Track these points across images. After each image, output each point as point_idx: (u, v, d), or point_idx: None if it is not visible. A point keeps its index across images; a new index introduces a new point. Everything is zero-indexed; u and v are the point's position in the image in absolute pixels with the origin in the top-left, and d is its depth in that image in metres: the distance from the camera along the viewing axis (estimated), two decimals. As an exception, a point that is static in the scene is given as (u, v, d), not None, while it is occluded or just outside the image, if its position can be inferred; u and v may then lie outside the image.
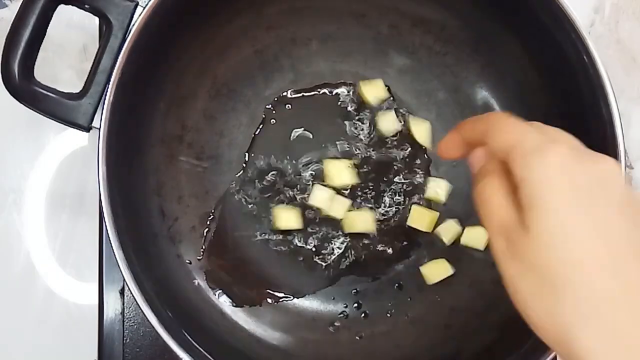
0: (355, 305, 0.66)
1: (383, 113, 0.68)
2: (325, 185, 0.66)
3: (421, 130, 0.67)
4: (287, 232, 0.66)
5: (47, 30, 0.53)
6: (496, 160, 0.41)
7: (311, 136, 0.67)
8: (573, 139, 0.40)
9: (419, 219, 0.67)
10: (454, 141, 0.44)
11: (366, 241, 0.67)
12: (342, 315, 0.66)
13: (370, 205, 0.67)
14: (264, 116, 0.67)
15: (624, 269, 0.35)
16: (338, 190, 0.66)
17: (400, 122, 0.68)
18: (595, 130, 0.58)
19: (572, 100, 0.61)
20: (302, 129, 0.67)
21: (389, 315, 0.66)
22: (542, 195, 0.36)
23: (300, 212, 0.66)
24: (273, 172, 0.66)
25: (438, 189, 0.67)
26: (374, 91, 0.67)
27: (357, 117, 0.68)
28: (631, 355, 0.33)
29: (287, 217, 0.65)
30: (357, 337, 0.65)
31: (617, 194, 0.36)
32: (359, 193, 0.67)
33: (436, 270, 0.67)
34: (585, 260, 0.35)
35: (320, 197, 0.65)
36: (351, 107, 0.68)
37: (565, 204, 0.35)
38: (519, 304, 0.37)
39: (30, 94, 0.52)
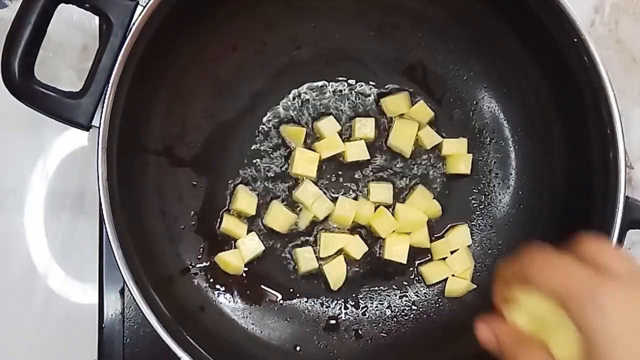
0: (356, 305, 0.66)
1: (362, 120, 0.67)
2: (315, 183, 0.66)
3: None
4: (287, 233, 0.66)
5: (47, 29, 0.53)
6: (512, 332, 0.41)
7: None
8: (626, 259, 0.39)
9: (394, 248, 0.66)
10: (501, 292, 0.43)
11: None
12: (342, 315, 0.66)
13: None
14: (264, 116, 0.67)
15: None
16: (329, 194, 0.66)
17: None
18: (595, 130, 0.59)
19: (572, 101, 0.61)
20: (303, 128, 0.67)
21: (389, 314, 0.66)
22: (604, 351, 0.35)
23: (256, 200, 0.65)
24: (272, 172, 0.66)
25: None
26: (363, 129, 0.67)
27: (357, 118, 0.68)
28: None
29: (242, 200, 0.65)
30: (357, 337, 0.65)
31: None
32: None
33: (436, 270, 0.67)
34: None
35: (306, 193, 0.65)
36: (351, 108, 0.68)
37: (631, 353, 0.34)
38: None
39: (30, 92, 0.52)
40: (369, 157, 0.67)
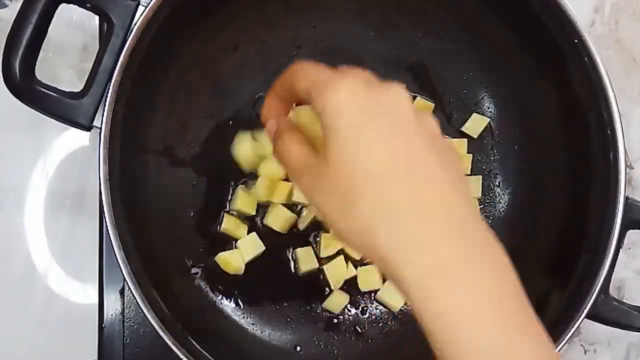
0: (356, 304, 0.66)
1: None
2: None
3: None
4: (287, 233, 0.66)
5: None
6: (285, 119, 0.46)
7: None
8: (367, 73, 0.43)
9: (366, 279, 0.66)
10: (272, 103, 0.48)
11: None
12: (342, 315, 0.66)
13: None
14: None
15: (411, 174, 0.38)
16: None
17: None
18: (595, 130, 0.59)
19: (572, 101, 0.61)
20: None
21: (390, 314, 0.66)
22: (334, 122, 0.39)
23: (256, 200, 0.65)
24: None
25: None
26: None
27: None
28: (417, 247, 0.37)
29: (242, 200, 0.64)
30: (357, 337, 0.65)
31: (402, 113, 0.40)
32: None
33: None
34: (375, 170, 0.38)
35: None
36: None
37: (354, 125, 0.39)
38: (331, 225, 0.41)
39: (31, 92, 0.52)
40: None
